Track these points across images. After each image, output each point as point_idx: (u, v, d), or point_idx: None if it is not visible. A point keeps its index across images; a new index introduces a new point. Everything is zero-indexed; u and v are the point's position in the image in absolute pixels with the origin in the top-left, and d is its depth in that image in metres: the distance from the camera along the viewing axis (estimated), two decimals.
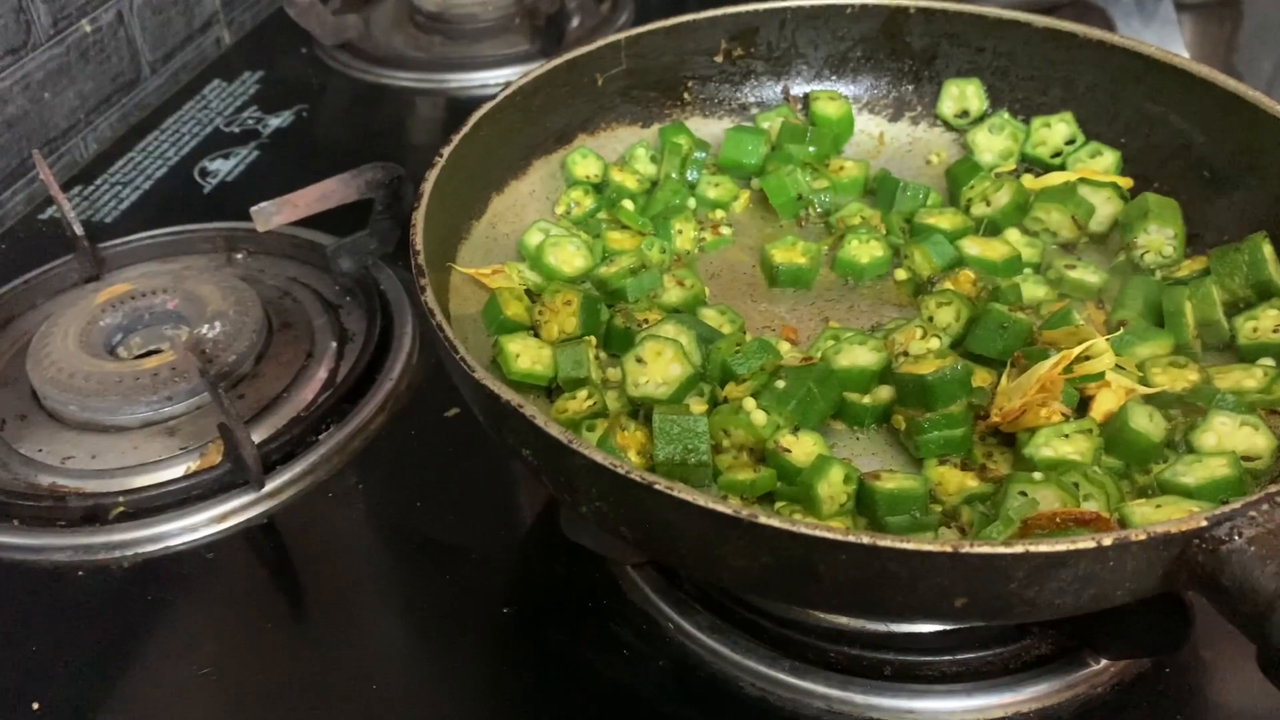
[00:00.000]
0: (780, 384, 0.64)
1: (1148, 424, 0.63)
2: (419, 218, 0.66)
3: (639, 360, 0.67)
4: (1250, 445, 0.61)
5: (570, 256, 0.78)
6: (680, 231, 0.82)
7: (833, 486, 0.60)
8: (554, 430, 0.52)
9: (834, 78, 0.92)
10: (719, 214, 0.86)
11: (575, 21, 1.31)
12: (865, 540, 0.46)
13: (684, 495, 0.48)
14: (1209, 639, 0.62)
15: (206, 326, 0.84)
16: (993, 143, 0.86)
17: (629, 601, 0.67)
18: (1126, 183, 0.81)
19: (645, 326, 0.70)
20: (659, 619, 0.65)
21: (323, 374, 0.84)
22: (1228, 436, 0.62)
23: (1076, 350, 0.63)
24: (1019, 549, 0.45)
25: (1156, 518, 0.57)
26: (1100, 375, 0.64)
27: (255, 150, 1.14)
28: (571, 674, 0.63)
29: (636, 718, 0.61)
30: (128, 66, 1.21)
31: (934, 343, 0.69)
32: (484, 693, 0.63)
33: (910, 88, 0.90)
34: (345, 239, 0.89)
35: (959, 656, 0.63)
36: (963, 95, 0.88)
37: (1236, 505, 0.47)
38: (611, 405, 0.67)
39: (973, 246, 0.77)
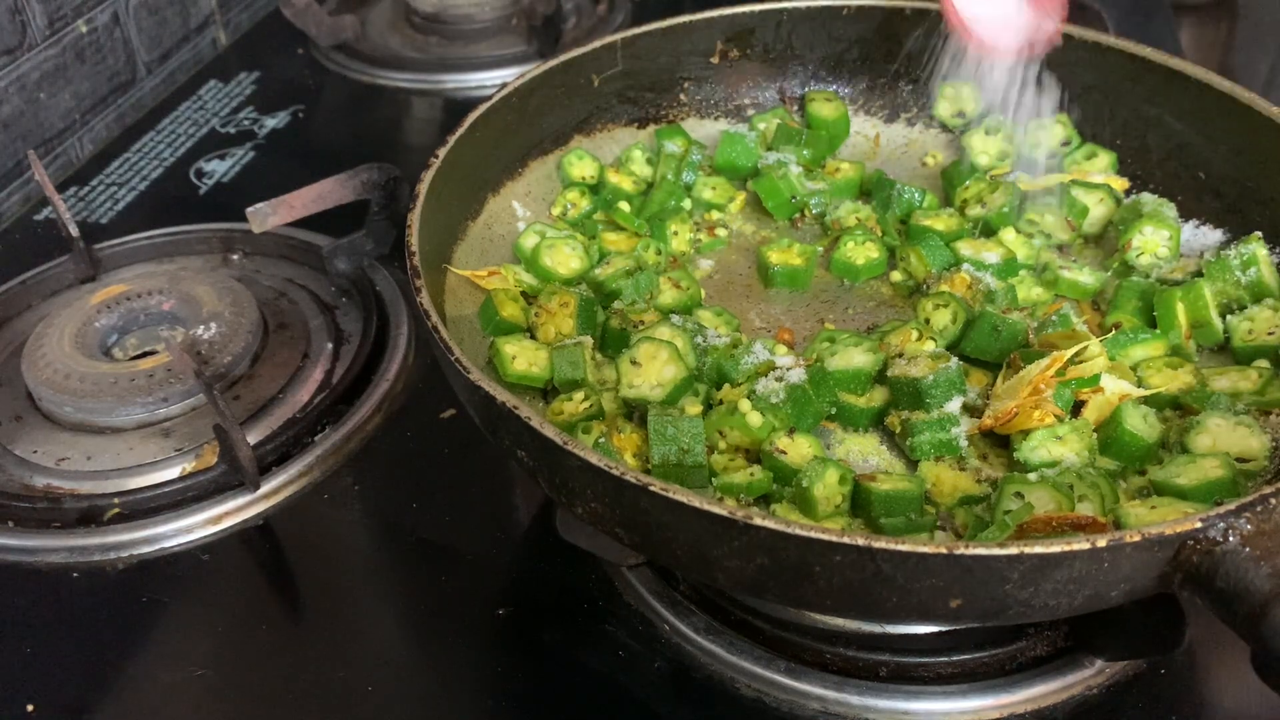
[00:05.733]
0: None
1: (1142, 425, 0.63)
2: (414, 219, 0.66)
3: (634, 362, 0.67)
4: (1245, 447, 0.61)
5: (566, 258, 0.78)
6: (676, 233, 0.82)
7: (828, 488, 0.60)
8: (549, 432, 0.52)
9: (830, 79, 0.92)
10: (715, 215, 0.86)
11: (571, 22, 1.31)
12: (860, 542, 0.46)
13: (679, 497, 0.49)
14: (1204, 640, 0.62)
15: (202, 328, 0.84)
16: (988, 144, 0.86)
17: (625, 603, 0.67)
18: (1121, 184, 0.81)
19: (641, 328, 0.70)
20: (655, 620, 0.65)
21: (318, 375, 0.84)
22: (1223, 438, 0.62)
23: (1069, 353, 0.63)
24: (1014, 550, 0.45)
25: (1151, 519, 0.57)
26: (1096, 379, 0.64)
27: (251, 151, 1.13)
28: (567, 675, 0.63)
29: (632, 719, 0.61)
30: (123, 67, 1.21)
31: (929, 344, 0.69)
32: (480, 693, 0.63)
33: (906, 89, 0.90)
34: (341, 240, 0.89)
35: (955, 658, 0.63)
36: (958, 97, 0.88)
37: (1231, 507, 0.47)
38: (608, 407, 0.67)
39: (968, 248, 0.77)
